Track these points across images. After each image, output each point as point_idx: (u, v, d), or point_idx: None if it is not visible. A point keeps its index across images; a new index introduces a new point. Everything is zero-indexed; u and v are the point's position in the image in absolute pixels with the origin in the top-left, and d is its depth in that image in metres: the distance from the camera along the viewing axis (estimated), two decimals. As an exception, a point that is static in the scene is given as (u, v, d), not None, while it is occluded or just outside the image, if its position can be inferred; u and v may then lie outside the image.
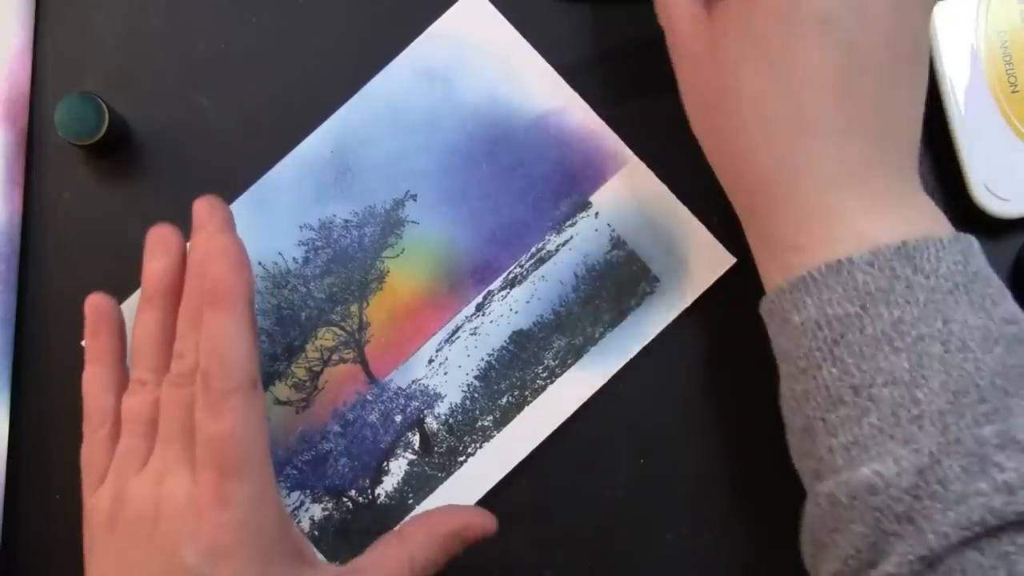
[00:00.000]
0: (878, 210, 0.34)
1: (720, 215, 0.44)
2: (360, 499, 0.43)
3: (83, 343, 0.41)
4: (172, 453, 0.37)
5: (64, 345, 0.44)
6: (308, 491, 0.43)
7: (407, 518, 0.42)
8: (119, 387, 0.40)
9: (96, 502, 0.38)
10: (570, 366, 0.43)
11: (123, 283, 0.43)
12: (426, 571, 0.38)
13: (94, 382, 0.40)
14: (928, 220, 0.35)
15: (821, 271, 0.33)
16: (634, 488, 0.43)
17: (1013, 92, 0.43)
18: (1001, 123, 0.43)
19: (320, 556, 0.42)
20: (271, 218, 0.43)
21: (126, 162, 0.44)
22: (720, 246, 0.44)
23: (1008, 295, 0.34)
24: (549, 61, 0.44)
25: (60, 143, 0.43)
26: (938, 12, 0.43)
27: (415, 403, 0.43)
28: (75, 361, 0.42)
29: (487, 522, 0.39)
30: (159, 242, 0.40)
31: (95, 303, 0.41)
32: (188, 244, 0.40)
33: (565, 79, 0.44)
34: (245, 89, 0.44)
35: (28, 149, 0.43)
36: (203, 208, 0.40)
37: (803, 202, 0.35)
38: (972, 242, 0.34)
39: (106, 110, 0.41)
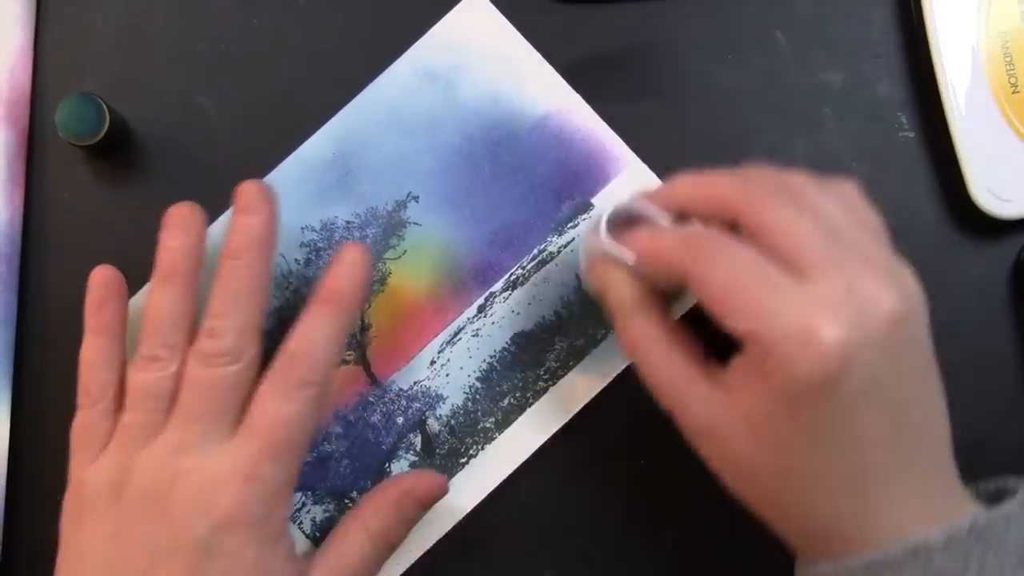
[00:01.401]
0: (932, 504, 0.34)
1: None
2: (362, 500, 0.43)
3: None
4: (194, 431, 0.37)
5: (64, 345, 0.43)
6: (309, 492, 0.43)
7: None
8: (118, 363, 0.39)
9: (96, 473, 0.37)
10: (572, 367, 0.43)
11: (123, 283, 0.43)
12: (385, 537, 0.40)
13: (95, 354, 0.39)
14: (967, 502, 0.35)
15: (898, 556, 0.32)
16: (635, 488, 0.43)
17: (1013, 92, 0.43)
18: (1001, 123, 0.43)
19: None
20: (273, 219, 0.43)
21: (126, 162, 0.44)
22: (721, 247, 0.44)
23: None
24: (551, 62, 0.44)
25: (60, 143, 0.43)
26: (938, 12, 0.43)
27: (417, 405, 0.43)
28: (76, 361, 0.42)
29: (435, 480, 0.41)
30: (180, 221, 0.39)
31: (104, 275, 0.40)
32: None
33: (567, 80, 0.44)
34: (245, 89, 0.44)
35: (29, 149, 0.43)
36: (252, 194, 0.39)
37: (867, 535, 0.34)
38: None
39: (106, 110, 0.41)
